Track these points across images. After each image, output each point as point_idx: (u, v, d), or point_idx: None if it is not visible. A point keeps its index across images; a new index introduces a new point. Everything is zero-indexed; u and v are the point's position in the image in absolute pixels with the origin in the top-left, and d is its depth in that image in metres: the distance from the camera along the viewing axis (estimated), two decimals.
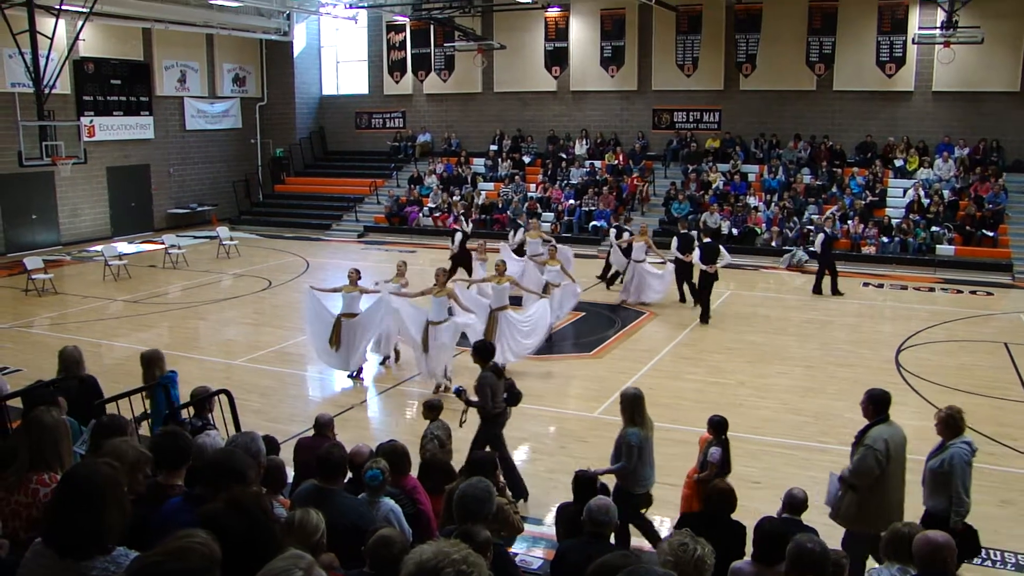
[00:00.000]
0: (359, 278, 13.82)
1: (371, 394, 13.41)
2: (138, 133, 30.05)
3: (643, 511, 8.21)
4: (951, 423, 7.08)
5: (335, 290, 14.05)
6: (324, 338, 13.71)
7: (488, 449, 8.85)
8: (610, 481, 8.02)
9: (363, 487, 5.98)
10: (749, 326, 17.50)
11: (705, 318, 17.47)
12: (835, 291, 19.89)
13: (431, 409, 8.64)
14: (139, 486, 4.69)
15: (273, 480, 5.82)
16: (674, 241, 18.80)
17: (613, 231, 20.70)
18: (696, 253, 18.12)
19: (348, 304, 13.59)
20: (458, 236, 20.52)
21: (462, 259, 19.89)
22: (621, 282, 20.10)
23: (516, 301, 15.12)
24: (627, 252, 19.38)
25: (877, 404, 7.29)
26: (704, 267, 17.65)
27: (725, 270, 18.83)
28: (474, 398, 9.40)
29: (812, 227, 22.69)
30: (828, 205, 25.48)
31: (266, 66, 34.94)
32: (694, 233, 19.62)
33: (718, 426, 8.39)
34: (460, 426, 9.40)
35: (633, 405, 8.05)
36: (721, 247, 18.27)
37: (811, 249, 21.76)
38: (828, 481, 7.45)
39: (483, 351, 9.76)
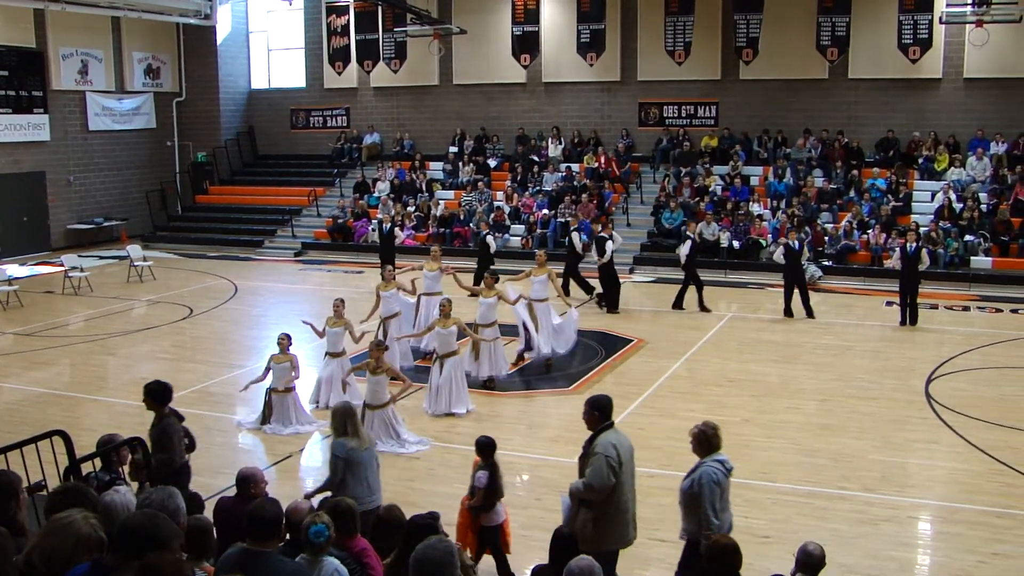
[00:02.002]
0: (289, 344, 13.75)
1: (312, 440, 13.34)
2: (30, 134, 29.85)
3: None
4: (703, 440, 7.67)
5: (266, 371, 13.84)
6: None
7: None
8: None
9: (301, 548, 5.94)
10: (754, 354, 17.59)
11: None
12: (702, 306, 20.94)
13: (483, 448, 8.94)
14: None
15: (196, 544, 5.76)
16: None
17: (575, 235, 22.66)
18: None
19: (280, 377, 13.56)
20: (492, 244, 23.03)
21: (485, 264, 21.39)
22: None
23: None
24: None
25: (601, 410, 7.78)
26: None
27: (723, 290, 18.92)
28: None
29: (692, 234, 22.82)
30: (844, 212, 25.76)
31: (184, 55, 34.87)
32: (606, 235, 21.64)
33: (485, 448, 8.92)
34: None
35: (345, 417, 8.75)
36: (615, 234, 21.92)
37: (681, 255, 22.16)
38: (560, 503, 7.91)
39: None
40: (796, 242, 20.22)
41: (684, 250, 21.18)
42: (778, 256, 20.61)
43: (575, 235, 22.98)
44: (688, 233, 22.00)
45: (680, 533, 7.87)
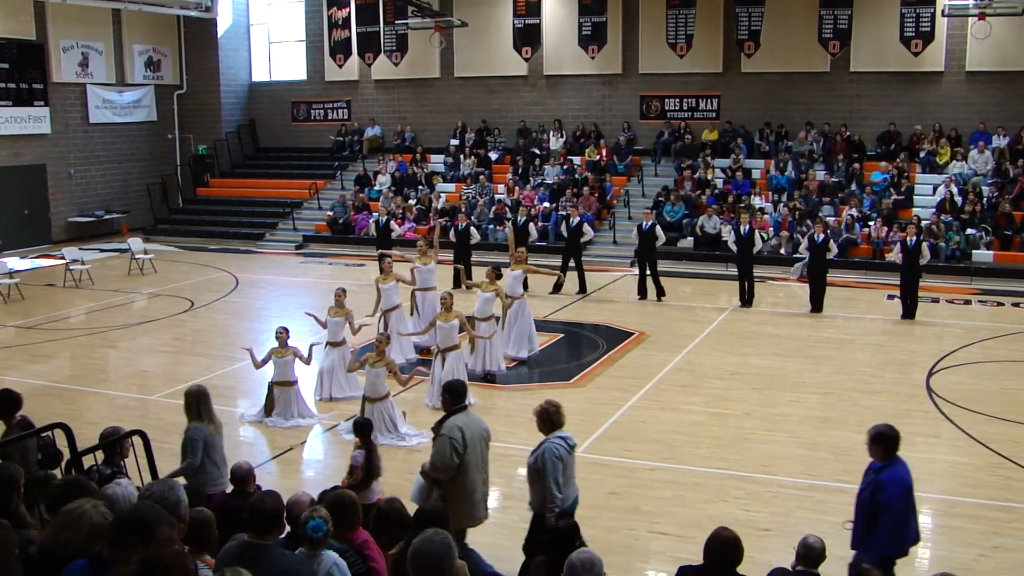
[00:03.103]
0: (288, 337, 13.73)
1: (314, 433, 13.36)
2: (31, 127, 29.85)
3: None
4: (546, 417, 8.24)
5: (264, 361, 13.81)
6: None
7: None
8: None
9: (301, 541, 5.96)
10: (755, 347, 17.62)
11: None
12: (582, 288, 22.09)
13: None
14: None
15: (198, 537, 5.78)
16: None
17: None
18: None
19: (281, 371, 13.55)
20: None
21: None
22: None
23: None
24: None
25: (453, 394, 8.40)
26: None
27: (723, 283, 18.90)
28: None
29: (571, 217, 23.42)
30: (845, 205, 25.74)
31: (185, 48, 34.84)
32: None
33: (363, 428, 9.41)
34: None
35: (199, 401, 8.90)
36: (586, 225, 22.75)
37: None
38: (414, 481, 8.45)
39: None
40: (820, 236, 20.24)
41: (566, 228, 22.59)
42: (803, 249, 20.75)
43: (587, 226, 23.09)
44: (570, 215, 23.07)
45: (527, 506, 8.41)
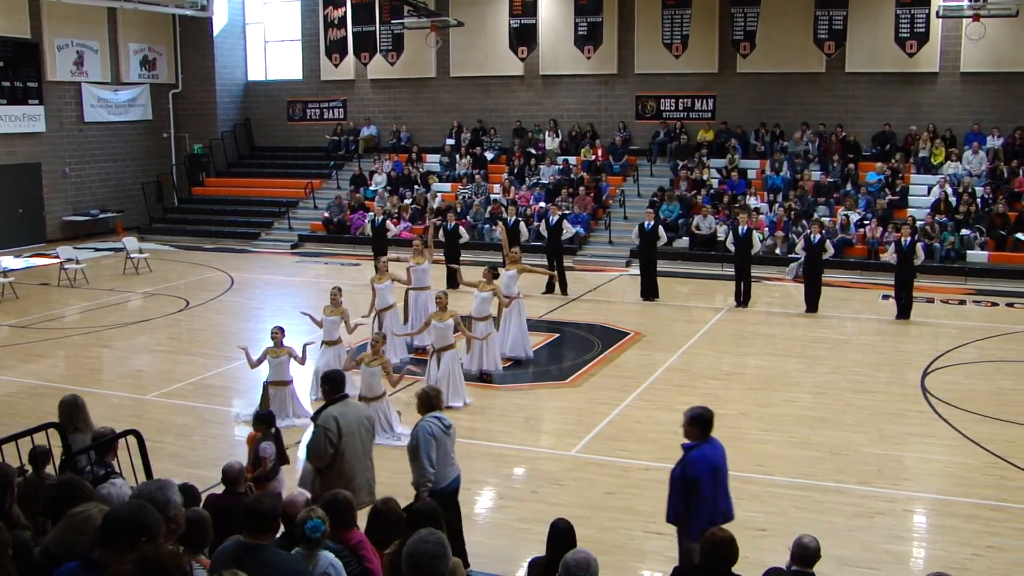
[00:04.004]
0: (283, 337, 13.69)
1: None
2: (26, 125, 29.77)
3: None
4: (425, 399, 8.81)
5: (259, 361, 13.74)
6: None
7: None
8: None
9: (297, 542, 5.95)
10: (750, 347, 17.63)
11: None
12: (563, 289, 21.97)
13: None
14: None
15: (193, 536, 5.76)
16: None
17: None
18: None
19: (276, 371, 13.51)
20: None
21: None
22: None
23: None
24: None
25: (331, 384, 8.81)
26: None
27: (719, 283, 18.90)
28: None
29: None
30: (840, 205, 25.75)
31: (180, 47, 34.78)
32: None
33: (265, 419, 9.61)
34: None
35: (71, 411, 8.60)
36: (566, 223, 22.80)
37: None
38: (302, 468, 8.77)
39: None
40: (817, 236, 20.24)
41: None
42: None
43: (567, 223, 23.05)
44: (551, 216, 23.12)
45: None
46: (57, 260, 24.78)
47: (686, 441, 8.04)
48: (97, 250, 28.96)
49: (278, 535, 6.10)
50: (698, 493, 7.82)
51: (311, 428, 8.76)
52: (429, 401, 8.82)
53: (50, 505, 5.51)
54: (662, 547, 9.09)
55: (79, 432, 8.42)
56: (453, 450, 8.88)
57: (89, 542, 4.62)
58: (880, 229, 24.36)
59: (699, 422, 8.04)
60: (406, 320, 17.32)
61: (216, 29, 34.34)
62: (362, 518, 8.26)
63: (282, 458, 9.46)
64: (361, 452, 8.67)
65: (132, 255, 25.76)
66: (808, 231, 21.14)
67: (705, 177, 28.00)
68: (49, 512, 5.57)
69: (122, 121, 33.15)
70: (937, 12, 26.17)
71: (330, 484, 8.23)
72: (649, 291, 21.47)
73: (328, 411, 8.53)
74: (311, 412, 13.74)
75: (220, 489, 8.12)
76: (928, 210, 25.11)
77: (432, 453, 8.47)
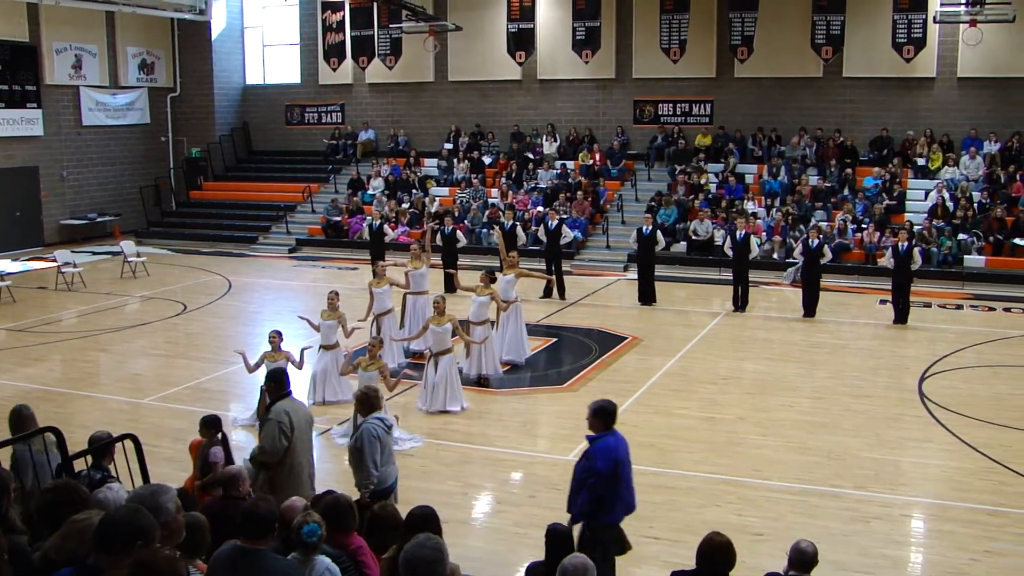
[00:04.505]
0: (281, 340, 13.66)
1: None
2: (24, 129, 29.77)
3: None
4: (365, 401, 9.01)
5: (257, 365, 13.67)
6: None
7: None
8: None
9: (294, 546, 5.93)
10: (747, 352, 17.64)
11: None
12: (561, 294, 22.12)
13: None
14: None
15: (191, 542, 5.75)
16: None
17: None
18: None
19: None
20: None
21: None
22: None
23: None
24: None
25: (276, 381, 8.91)
26: None
27: (716, 288, 18.94)
28: None
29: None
30: (838, 210, 25.76)
31: (179, 51, 34.79)
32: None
33: (212, 424, 9.54)
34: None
35: (18, 422, 8.49)
36: (565, 227, 23.08)
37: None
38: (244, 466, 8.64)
39: None
40: (815, 241, 20.24)
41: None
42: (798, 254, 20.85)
43: (566, 227, 23.21)
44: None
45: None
46: (55, 264, 24.77)
47: (590, 433, 8.25)
48: (95, 254, 28.94)
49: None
50: (600, 484, 8.00)
51: (263, 424, 8.82)
52: (369, 402, 9.03)
53: (47, 510, 5.49)
54: (659, 552, 9.10)
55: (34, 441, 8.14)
56: (392, 450, 9.09)
57: (89, 548, 4.61)
58: (877, 234, 24.37)
59: (602, 414, 8.24)
60: (403, 324, 17.28)
61: (214, 33, 34.34)
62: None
63: (230, 462, 9.39)
64: (307, 447, 8.87)
65: (130, 259, 25.74)
66: (806, 236, 21.16)
67: (703, 182, 28.04)
68: (46, 517, 5.55)
69: (120, 125, 33.14)
70: (934, 17, 26.20)
71: (281, 479, 8.43)
72: (647, 295, 21.48)
73: (279, 406, 8.65)
74: None
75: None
76: (925, 215, 25.14)
77: (377, 456, 8.63)
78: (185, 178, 34.99)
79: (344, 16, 33.00)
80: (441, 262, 21.88)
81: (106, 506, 5.47)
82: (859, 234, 24.83)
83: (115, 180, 33.08)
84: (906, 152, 27.54)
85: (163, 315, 21.08)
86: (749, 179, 28.29)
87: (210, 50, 34.44)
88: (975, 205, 25.12)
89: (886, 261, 20.25)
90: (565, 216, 25.63)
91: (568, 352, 17.80)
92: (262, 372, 13.55)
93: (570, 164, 30.22)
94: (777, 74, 28.85)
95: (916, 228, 23.92)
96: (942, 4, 26.12)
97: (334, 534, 6.22)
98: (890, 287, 19.94)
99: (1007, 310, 20.92)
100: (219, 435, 9.50)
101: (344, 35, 33.12)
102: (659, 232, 21.92)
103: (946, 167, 26.65)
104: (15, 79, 29.33)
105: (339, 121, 34.69)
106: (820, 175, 27.59)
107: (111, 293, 23.50)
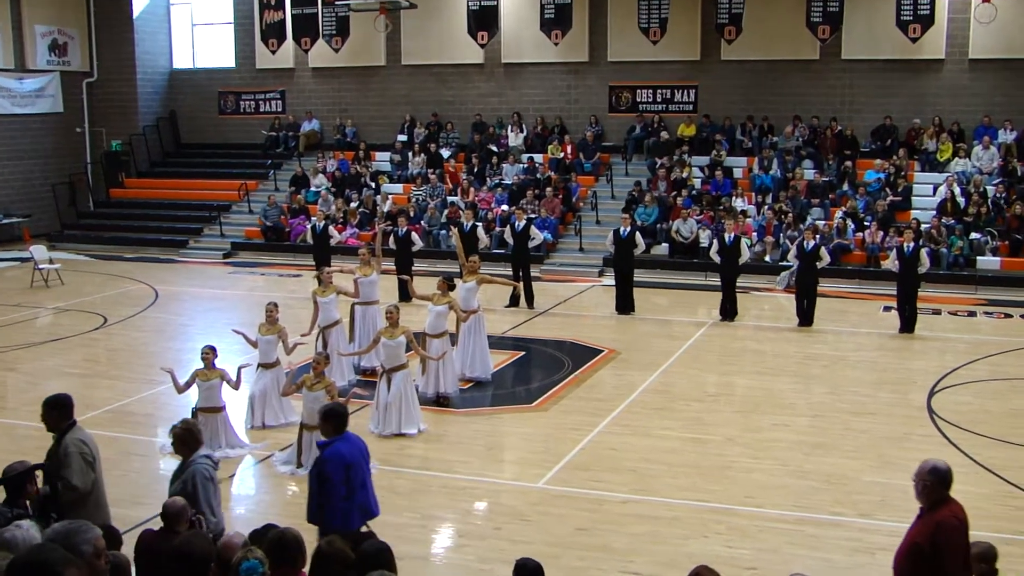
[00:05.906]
0: (215, 357, 13.60)
1: (245, 465, 13.27)
2: None
3: None
4: (188, 438, 8.51)
5: (188, 385, 13.58)
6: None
7: None
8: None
9: None
10: (736, 365, 17.73)
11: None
12: (529, 302, 22.01)
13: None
14: None
15: None
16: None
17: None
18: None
19: (207, 396, 13.39)
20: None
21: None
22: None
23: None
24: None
25: (60, 408, 8.62)
26: None
27: (701, 295, 18.97)
28: None
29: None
30: (836, 207, 25.95)
31: (96, 30, 34.61)
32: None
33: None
34: None
35: None
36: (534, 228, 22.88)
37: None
38: None
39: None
40: (811, 243, 20.37)
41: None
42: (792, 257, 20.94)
43: (534, 228, 23.18)
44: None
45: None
46: None
47: (321, 439, 8.79)
48: (1, 260, 28.67)
49: None
50: (333, 490, 8.44)
51: (70, 457, 8.44)
52: (194, 437, 8.54)
53: None
54: None
55: None
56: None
57: None
58: (881, 233, 24.51)
59: (331, 417, 8.80)
60: (352, 338, 17.25)
61: (136, 10, 34.23)
62: None
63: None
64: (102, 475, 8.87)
65: (41, 266, 25.51)
66: (801, 236, 21.30)
67: (686, 176, 28.16)
68: None
69: (28, 114, 32.93)
70: None
71: (89, 513, 8.21)
72: (624, 304, 21.54)
73: (73, 435, 8.49)
74: (247, 442, 13.72)
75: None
76: (934, 212, 25.34)
77: (212, 499, 8.38)
78: (104, 174, 34.75)
79: None
80: (394, 268, 21.88)
81: (14, 546, 5.43)
82: (860, 234, 25.00)
83: (23, 177, 32.84)
84: (912, 142, 27.76)
85: (80, 329, 20.93)
86: (738, 173, 28.45)
87: (132, 29, 34.28)
88: (989, 201, 25.33)
89: (890, 264, 20.40)
90: (533, 216, 25.69)
91: (537, 367, 17.82)
92: (194, 393, 13.55)
93: (538, 158, 30.28)
94: (768, 56, 29.02)
95: (923, 227, 24.08)
96: None
97: (278, 570, 6.20)
98: (895, 292, 20.04)
99: None
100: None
101: (284, 13, 32.93)
102: (638, 233, 21.99)
103: (956, 159, 26.85)
104: None
105: (279, 110, 34.62)
106: (816, 168, 27.76)
107: (20, 304, 23.31)
